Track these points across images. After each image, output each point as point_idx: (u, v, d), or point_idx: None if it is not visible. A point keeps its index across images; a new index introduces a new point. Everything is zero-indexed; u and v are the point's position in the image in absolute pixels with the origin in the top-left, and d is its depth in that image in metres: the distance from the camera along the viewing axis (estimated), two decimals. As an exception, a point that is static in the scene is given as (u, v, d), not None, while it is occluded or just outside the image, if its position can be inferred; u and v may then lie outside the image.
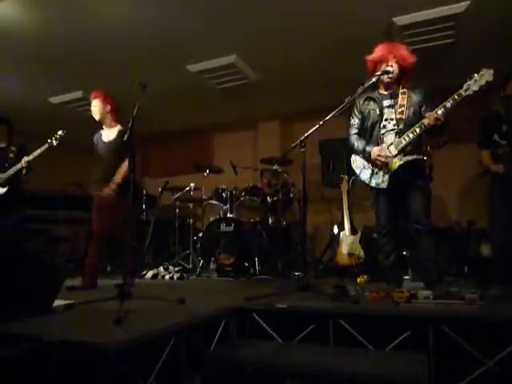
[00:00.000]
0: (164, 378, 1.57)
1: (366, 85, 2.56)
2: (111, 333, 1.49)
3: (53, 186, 5.32)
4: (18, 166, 3.85)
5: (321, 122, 2.50)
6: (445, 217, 5.03)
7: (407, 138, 2.62)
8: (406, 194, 2.73)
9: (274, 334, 2.08)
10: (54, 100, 5.38)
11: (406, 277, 3.55)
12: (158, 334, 1.56)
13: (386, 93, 2.82)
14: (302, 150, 2.55)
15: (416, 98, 2.74)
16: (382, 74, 2.64)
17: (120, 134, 3.27)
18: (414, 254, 3.59)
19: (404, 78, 2.79)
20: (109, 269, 4.92)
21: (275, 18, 3.75)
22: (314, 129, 2.49)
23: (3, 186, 3.88)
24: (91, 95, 3.43)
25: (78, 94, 5.22)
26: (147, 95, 2.52)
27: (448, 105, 2.47)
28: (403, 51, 2.75)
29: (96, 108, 3.34)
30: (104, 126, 3.42)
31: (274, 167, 4.69)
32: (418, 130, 2.59)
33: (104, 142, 3.36)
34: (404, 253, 3.75)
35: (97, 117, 3.36)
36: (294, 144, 2.59)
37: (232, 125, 6.61)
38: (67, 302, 2.10)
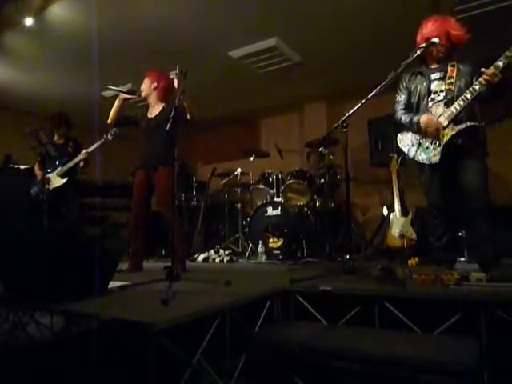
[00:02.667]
0: (210, 355, 1.65)
1: (410, 58, 2.42)
2: (159, 312, 1.59)
3: (112, 176, 5.67)
4: (77, 158, 4.19)
5: (363, 101, 2.42)
6: (506, 194, 4.67)
7: (458, 107, 2.45)
8: (461, 168, 2.55)
9: (319, 316, 2.09)
10: (107, 94, 5.65)
11: (462, 259, 3.38)
12: (202, 314, 1.64)
13: (434, 66, 2.67)
14: (344, 130, 2.48)
15: (467, 68, 2.56)
16: (427, 47, 2.48)
17: (163, 111, 3.26)
18: (469, 235, 3.39)
19: (454, 52, 2.62)
20: (163, 253, 5.18)
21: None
22: (355, 109, 2.42)
23: (63, 178, 4.23)
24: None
25: (128, 87, 5.43)
26: (194, 84, 2.55)
27: (500, 64, 2.28)
28: (456, 31, 2.55)
29: (143, 85, 3.39)
30: (149, 103, 3.42)
31: (320, 149, 4.62)
32: (468, 97, 2.41)
33: (148, 118, 3.36)
34: (459, 234, 3.56)
35: (143, 93, 3.38)
36: (335, 125, 2.53)
37: (278, 108, 6.56)
38: (122, 283, 2.27)
